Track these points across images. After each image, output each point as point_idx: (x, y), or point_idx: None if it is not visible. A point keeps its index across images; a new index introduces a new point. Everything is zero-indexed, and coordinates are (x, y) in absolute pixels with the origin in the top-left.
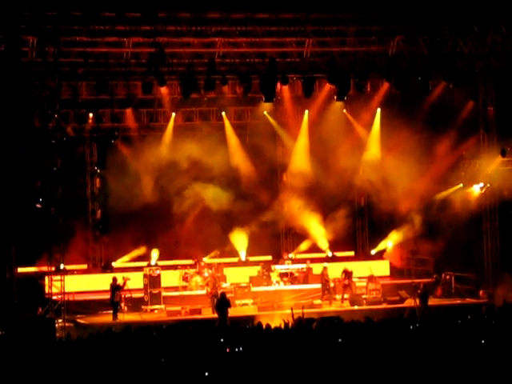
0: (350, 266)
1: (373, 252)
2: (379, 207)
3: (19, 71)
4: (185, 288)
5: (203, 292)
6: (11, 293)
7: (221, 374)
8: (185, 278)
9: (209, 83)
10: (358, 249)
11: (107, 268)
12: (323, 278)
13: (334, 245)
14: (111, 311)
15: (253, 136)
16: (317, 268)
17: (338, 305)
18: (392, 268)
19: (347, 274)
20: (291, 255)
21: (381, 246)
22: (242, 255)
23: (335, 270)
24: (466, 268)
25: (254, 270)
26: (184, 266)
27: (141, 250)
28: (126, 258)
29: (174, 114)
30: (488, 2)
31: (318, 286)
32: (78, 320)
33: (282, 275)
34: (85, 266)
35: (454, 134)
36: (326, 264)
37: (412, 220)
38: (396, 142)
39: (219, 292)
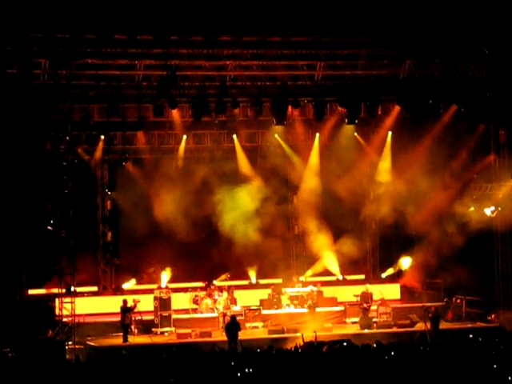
0: (360, 289)
1: (383, 275)
2: (390, 230)
3: (31, 93)
4: (195, 311)
5: (214, 315)
6: (22, 315)
7: None
8: (195, 301)
9: (220, 106)
10: (368, 272)
11: (117, 290)
12: (365, 298)
13: (345, 268)
14: (121, 333)
15: (264, 159)
16: (327, 291)
17: (351, 328)
18: (403, 291)
19: (367, 296)
20: (302, 278)
21: (391, 270)
22: (253, 278)
23: (346, 293)
24: (477, 292)
25: (265, 293)
26: (194, 289)
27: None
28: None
29: (185, 137)
30: (499, 26)
31: (329, 309)
32: (89, 342)
33: (293, 298)
34: (95, 289)
35: (464, 158)
36: (368, 285)
37: (423, 243)
38: (407, 166)
39: (229, 314)
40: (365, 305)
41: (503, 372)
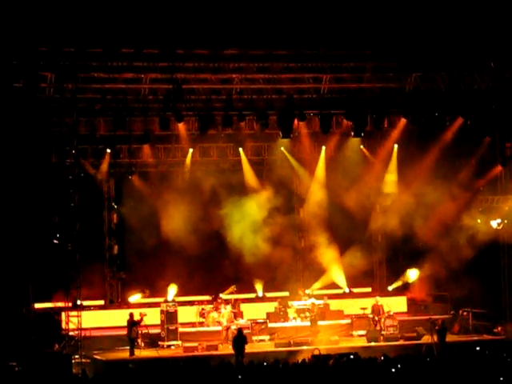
0: (367, 302)
1: (390, 288)
2: (397, 243)
3: (37, 107)
4: (201, 324)
5: (220, 328)
6: (28, 329)
7: None
8: (202, 314)
9: (226, 119)
10: (375, 285)
11: (124, 304)
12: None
13: (352, 281)
14: (128, 347)
15: (270, 172)
16: (334, 304)
17: (358, 341)
18: (409, 304)
19: (378, 308)
20: (308, 291)
21: (398, 282)
22: (259, 291)
23: (353, 306)
24: (483, 304)
25: (271, 306)
26: (201, 302)
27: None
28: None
29: (191, 150)
30: (504, 38)
31: (335, 322)
32: (95, 356)
33: (299, 311)
34: (102, 302)
35: (471, 170)
36: (378, 298)
37: (430, 256)
38: (413, 178)
39: (234, 328)
40: (376, 318)
41: None
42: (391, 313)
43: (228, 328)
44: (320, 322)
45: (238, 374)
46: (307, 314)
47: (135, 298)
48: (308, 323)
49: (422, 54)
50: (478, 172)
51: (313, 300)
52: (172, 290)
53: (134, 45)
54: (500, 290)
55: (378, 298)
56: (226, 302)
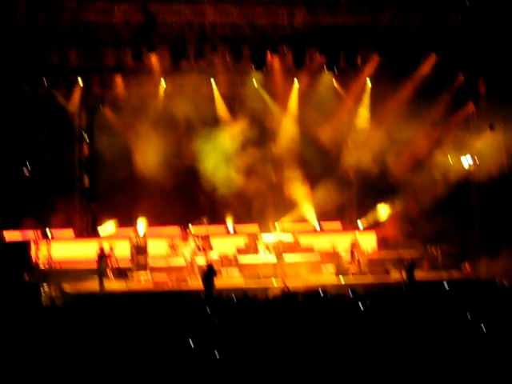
0: (337, 238)
1: (360, 224)
2: (368, 179)
3: (9, 36)
4: (171, 257)
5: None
6: None
7: (206, 345)
8: (172, 247)
9: (199, 52)
10: (345, 221)
11: (94, 236)
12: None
13: (322, 216)
14: (97, 279)
15: (242, 106)
16: (304, 239)
17: (326, 276)
18: (379, 240)
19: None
20: (278, 226)
21: (369, 218)
22: (230, 224)
23: (323, 242)
24: (453, 242)
25: (241, 241)
26: (171, 235)
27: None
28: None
29: (163, 82)
30: None
31: (304, 257)
32: (64, 287)
33: (269, 246)
34: (71, 234)
35: (443, 107)
36: (357, 233)
37: (401, 192)
38: (385, 114)
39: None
40: (355, 252)
41: (476, 320)
42: (368, 250)
43: (192, 262)
44: (288, 257)
45: (207, 308)
46: (272, 249)
47: (109, 227)
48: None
49: None
50: (451, 109)
51: (279, 235)
52: (142, 222)
53: None
54: (469, 227)
55: (357, 232)
56: (196, 235)
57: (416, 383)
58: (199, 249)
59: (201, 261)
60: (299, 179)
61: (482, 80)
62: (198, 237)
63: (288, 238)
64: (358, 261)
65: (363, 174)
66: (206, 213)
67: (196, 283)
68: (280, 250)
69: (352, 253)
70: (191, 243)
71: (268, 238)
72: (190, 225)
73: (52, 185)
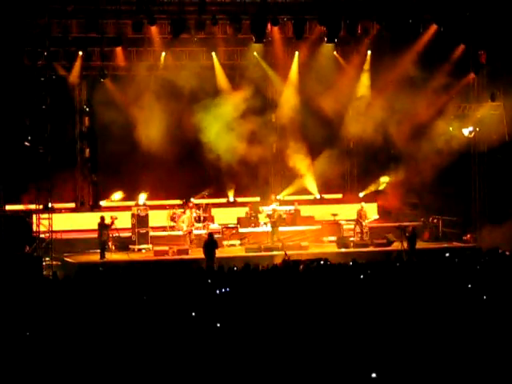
0: (338, 208)
1: (361, 195)
2: (369, 149)
3: (9, 8)
4: (172, 228)
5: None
6: None
7: (207, 315)
8: (172, 218)
9: (199, 23)
10: (346, 191)
11: (95, 207)
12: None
13: (323, 187)
14: (99, 250)
15: (243, 76)
16: (304, 210)
17: (328, 247)
18: (380, 211)
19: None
20: (279, 197)
21: (370, 189)
22: (230, 196)
23: (324, 212)
24: (453, 212)
25: (242, 211)
26: (172, 206)
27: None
28: (114, 197)
29: (163, 54)
30: None
31: (306, 227)
32: (66, 258)
33: (270, 217)
34: (73, 205)
35: (444, 77)
36: (363, 203)
37: (402, 162)
38: (385, 85)
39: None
40: (361, 221)
41: (478, 291)
42: (373, 218)
43: (190, 232)
44: (289, 228)
45: (208, 278)
46: (267, 219)
47: (116, 196)
48: (280, 228)
49: None
50: (452, 79)
51: (274, 206)
52: (144, 194)
53: None
54: (470, 197)
55: (363, 203)
56: (198, 206)
57: (417, 351)
58: (200, 220)
59: (201, 231)
60: (300, 150)
61: (483, 49)
62: (198, 208)
63: (289, 209)
64: (362, 231)
65: (365, 144)
66: (208, 183)
67: (197, 254)
68: (275, 219)
69: (358, 222)
70: (191, 214)
71: (269, 209)
72: (191, 197)
73: (53, 157)
